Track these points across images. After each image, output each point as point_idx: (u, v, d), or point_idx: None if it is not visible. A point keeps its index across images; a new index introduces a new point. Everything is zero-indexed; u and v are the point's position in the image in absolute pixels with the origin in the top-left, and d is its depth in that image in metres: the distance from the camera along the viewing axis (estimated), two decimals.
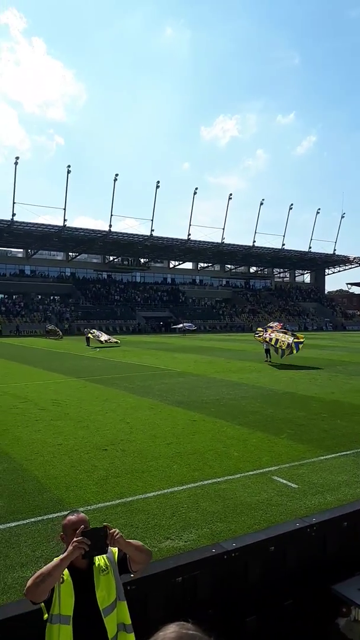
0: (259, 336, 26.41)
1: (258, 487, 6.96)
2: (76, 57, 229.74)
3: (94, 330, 43.67)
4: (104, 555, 2.50)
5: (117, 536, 2.41)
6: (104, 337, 40.37)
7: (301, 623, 3.74)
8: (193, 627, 0.73)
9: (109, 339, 40.30)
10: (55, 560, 2.34)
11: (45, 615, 2.40)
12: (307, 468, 7.87)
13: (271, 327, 26.39)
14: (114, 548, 2.53)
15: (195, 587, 3.42)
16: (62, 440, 9.50)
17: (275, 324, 27.91)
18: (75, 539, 2.35)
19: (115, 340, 41.25)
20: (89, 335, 40.92)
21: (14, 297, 70.11)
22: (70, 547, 2.34)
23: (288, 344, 23.86)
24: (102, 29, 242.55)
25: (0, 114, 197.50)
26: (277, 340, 24.73)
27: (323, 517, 4.23)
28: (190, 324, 62.99)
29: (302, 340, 24.28)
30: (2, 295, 69.58)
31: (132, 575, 2.69)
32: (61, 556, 2.34)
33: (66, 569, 2.38)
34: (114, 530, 2.42)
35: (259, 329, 27.84)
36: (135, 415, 11.77)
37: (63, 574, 2.37)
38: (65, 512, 5.81)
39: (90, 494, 6.69)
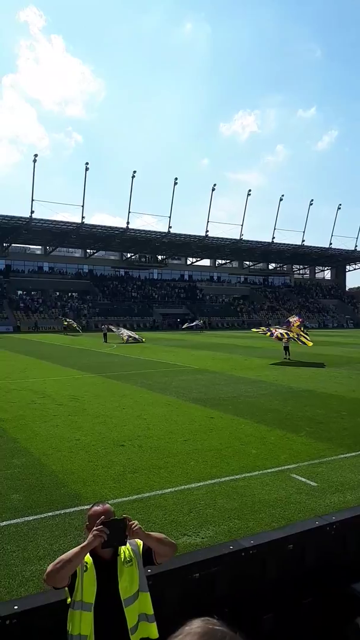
0: (263, 333, 26.79)
1: (276, 485, 6.89)
2: (95, 54, 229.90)
3: (121, 328, 43.63)
4: (129, 547, 2.55)
5: (136, 528, 2.44)
6: (125, 335, 40.15)
7: (319, 622, 3.69)
8: (218, 623, 0.73)
9: (131, 337, 39.90)
10: (76, 548, 2.39)
11: (69, 600, 2.46)
12: (327, 466, 7.76)
13: (279, 326, 26.81)
14: (139, 540, 2.57)
15: (213, 584, 3.39)
16: (80, 435, 9.56)
17: (295, 318, 27.85)
18: (95, 528, 2.39)
19: (139, 337, 40.77)
20: (107, 331, 41.06)
21: (33, 293, 70.92)
22: (90, 536, 2.39)
23: (295, 335, 25.22)
24: (121, 24, 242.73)
25: (20, 112, 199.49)
26: (282, 333, 25.61)
27: (343, 515, 4.16)
28: (196, 322, 62.66)
29: (305, 341, 25.21)
30: (21, 292, 70.44)
31: (153, 567, 2.70)
32: (82, 544, 2.39)
33: (90, 558, 2.44)
34: (133, 522, 2.46)
35: (262, 327, 28.11)
36: (152, 412, 11.78)
37: (87, 562, 2.43)
38: (83, 507, 5.86)
39: (107, 489, 6.70)
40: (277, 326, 26.84)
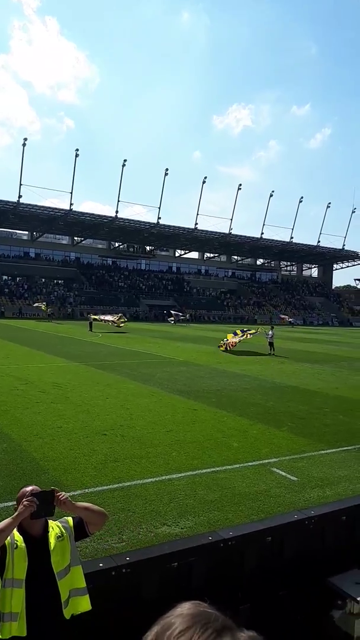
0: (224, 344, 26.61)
1: (257, 478, 6.93)
2: (90, 40, 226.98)
3: (102, 316, 43.86)
4: (59, 524, 2.67)
5: (63, 498, 2.56)
6: (108, 317, 41.13)
7: (296, 614, 3.72)
8: (209, 606, 0.74)
9: (114, 319, 40.57)
10: (7, 519, 2.48)
11: None
12: (307, 461, 7.84)
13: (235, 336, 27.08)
14: (69, 518, 2.73)
15: (190, 573, 3.40)
16: (62, 423, 9.50)
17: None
18: (25, 499, 2.50)
19: (120, 319, 41.24)
20: (92, 320, 41.01)
21: (18, 279, 70.10)
22: (20, 506, 2.49)
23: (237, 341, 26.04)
24: (118, 10, 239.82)
25: (11, 94, 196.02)
26: (234, 343, 26.16)
27: (322, 510, 4.20)
28: (177, 314, 62.06)
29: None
30: (6, 277, 69.57)
31: (131, 555, 2.75)
32: (12, 515, 2.50)
33: (20, 536, 2.52)
34: (60, 493, 2.59)
35: (222, 341, 27.44)
36: (135, 402, 11.76)
37: (17, 540, 2.51)
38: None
39: (88, 478, 6.68)
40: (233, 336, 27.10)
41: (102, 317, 42.57)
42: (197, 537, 3.92)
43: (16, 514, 2.49)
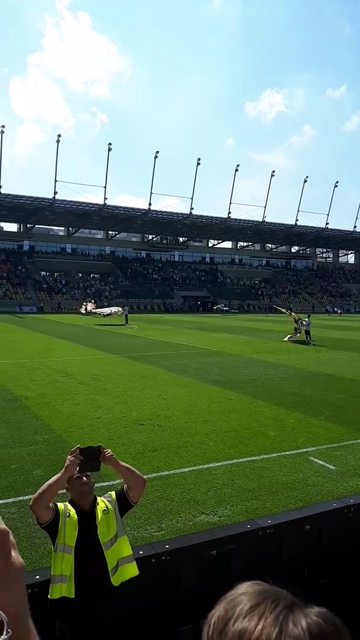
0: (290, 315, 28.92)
1: (294, 467, 6.90)
2: (121, 32, 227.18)
3: (108, 309, 44.67)
4: (104, 499, 2.89)
5: (109, 454, 2.79)
6: (106, 311, 42.29)
7: (336, 602, 3.71)
8: (269, 585, 0.73)
9: (111, 312, 41.58)
10: (56, 475, 2.73)
11: (52, 547, 2.76)
12: (346, 450, 7.73)
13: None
14: (112, 493, 2.98)
15: (229, 561, 3.44)
16: (101, 413, 9.70)
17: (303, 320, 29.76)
18: (70, 455, 2.73)
19: (115, 310, 42.11)
20: (86, 306, 42.91)
21: (56, 274, 71.53)
22: (67, 462, 2.72)
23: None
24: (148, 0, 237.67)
25: (45, 92, 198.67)
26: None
27: None
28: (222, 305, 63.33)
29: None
30: (44, 273, 71.10)
31: (170, 543, 2.95)
32: (60, 472, 2.72)
33: (73, 509, 2.77)
34: (106, 449, 2.80)
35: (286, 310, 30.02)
36: (171, 392, 11.87)
37: (70, 510, 2.76)
38: (102, 484, 5.97)
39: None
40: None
41: (98, 309, 43.84)
42: (236, 525, 3.95)
43: (63, 469, 2.71)
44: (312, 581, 3.65)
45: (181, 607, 3.27)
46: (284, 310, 33.54)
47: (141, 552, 3.21)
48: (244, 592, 0.70)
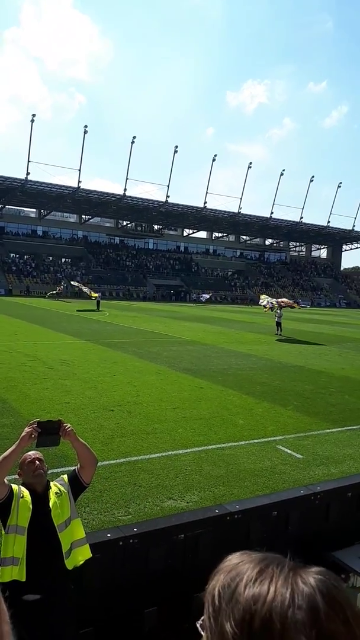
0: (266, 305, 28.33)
1: (262, 455, 6.98)
2: (104, 13, 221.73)
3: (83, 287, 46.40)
4: (57, 483, 2.85)
5: (69, 429, 2.75)
6: (85, 288, 44.65)
7: None
8: (264, 552, 0.72)
9: (90, 292, 43.22)
10: (11, 446, 2.65)
11: (2, 531, 2.69)
12: (313, 440, 7.87)
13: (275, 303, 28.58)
14: (64, 475, 2.93)
15: (197, 545, 3.43)
16: (70, 399, 9.58)
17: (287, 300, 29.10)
18: (29, 426, 2.65)
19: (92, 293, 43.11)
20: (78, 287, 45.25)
21: (25, 257, 70.07)
22: (24, 433, 2.64)
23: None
24: None
25: (21, 70, 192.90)
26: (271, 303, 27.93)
27: (328, 486, 4.22)
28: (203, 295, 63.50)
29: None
30: (14, 255, 69.53)
31: (139, 526, 2.89)
32: (15, 444, 2.63)
33: (27, 491, 2.70)
34: (66, 424, 2.75)
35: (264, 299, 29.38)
36: (142, 379, 11.82)
37: (23, 492, 2.70)
38: (69, 467, 5.89)
39: (95, 452, 6.70)
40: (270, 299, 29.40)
41: (82, 287, 46.85)
42: (204, 510, 3.96)
43: (18, 440, 2.63)
44: None
45: (147, 590, 3.25)
46: (267, 306, 28.30)
47: (109, 535, 3.18)
48: (241, 561, 0.70)
